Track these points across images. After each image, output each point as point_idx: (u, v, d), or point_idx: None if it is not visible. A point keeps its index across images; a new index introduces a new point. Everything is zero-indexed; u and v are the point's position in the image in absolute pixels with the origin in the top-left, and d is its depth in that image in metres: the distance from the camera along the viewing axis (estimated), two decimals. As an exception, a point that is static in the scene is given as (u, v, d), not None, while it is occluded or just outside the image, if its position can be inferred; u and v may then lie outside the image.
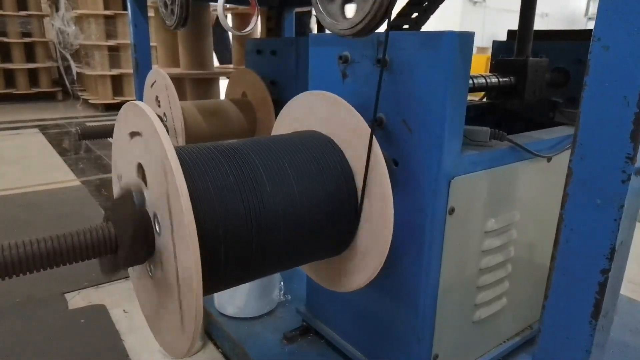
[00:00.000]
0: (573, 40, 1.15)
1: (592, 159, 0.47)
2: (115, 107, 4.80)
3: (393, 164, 0.77)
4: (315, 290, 1.06)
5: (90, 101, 4.92)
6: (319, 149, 0.77)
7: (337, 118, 0.78)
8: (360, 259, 0.78)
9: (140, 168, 0.62)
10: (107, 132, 1.30)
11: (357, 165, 0.76)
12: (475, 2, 7.46)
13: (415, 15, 0.82)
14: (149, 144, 0.58)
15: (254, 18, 1.02)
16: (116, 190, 0.73)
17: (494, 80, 1.02)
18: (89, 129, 1.25)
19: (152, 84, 1.37)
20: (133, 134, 0.63)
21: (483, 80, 0.99)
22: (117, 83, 4.83)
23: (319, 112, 0.82)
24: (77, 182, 2.44)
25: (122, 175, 0.70)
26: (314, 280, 0.91)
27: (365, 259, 0.77)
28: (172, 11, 1.16)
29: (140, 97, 1.57)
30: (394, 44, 0.73)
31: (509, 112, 1.16)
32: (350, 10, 0.66)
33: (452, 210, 0.75)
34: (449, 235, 0.75)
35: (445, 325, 0.81)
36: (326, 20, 0.67)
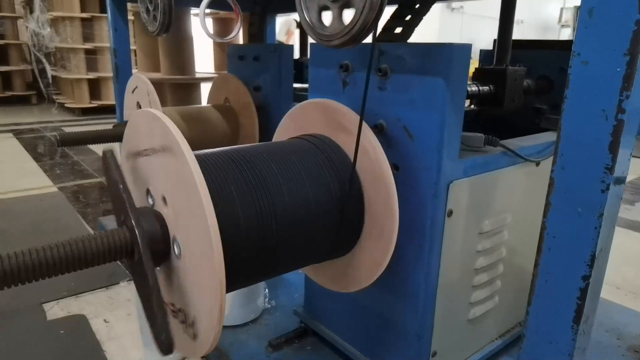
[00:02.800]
0: (556, 50, 1.19)
1: (573, 169, 0.48)
2: (92, 112, 4.71)
3: (394, 168, 0.79)
4: (313, 292, 1.07)
5: (66, 105, 4.82)
6: (324, 153, 0.80)
7: (339, 124, 0.81)
8: (364, 260, 0.81)
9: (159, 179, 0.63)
10: (87, 139, 1.27)
11: (360, 168, 0.79)
12: (453, 9, 7.59)
13: (399, 29, 0.84)
14: (172, 158, 0.59)
15: (237, 24, 1.02)
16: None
17: (474, 88, 1.04)
18: (68, 135, 1.22)
19: (134, 90, 1.35)
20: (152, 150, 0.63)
21: (464, 89, 1.01)
22: (94, 87, 4.74)
23: (322, 119, 0.84)
24: (54, 189, 2.39)
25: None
26: (316, 282, 0.93)
27: (369, 260, 0.80)
28: (155, 17, 1.15)
29: (120, 103, 1.55)
30: (394, 53, 0.76)
31: (496, 119, 1.18)
32: (338, 19, 0.67)
33: (450, 213, 0.78)
34: (447, 237, 0.79)
35: (444, 323, 0.85)
36: (311, 31, 0.68)
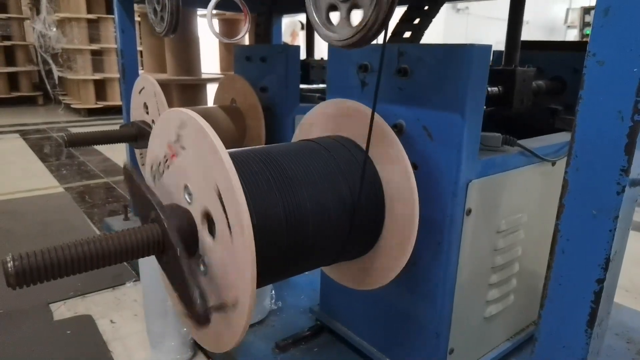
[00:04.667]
0: (569, 51, 1.20)
1: (587, 170, 0.48)
2: (98, 112, 4.73)
3: (413, 167, 0.80)
4: (330, 290, 1.08)
5: (72, 106, 4.84)
6: (346, 152, 0.81)
7: (361, 123, 0.81)
8: (384, 258, 0.81)
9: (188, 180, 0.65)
10: (95, 139, 1.28)
11: (381, 166, 0.80)
12: (459, 10, 7.57)
13: (408, 34, 0.84)
14: (201, 155, 0.61)
15: (245, 25, 1.01)
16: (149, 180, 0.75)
17: (483, 89, 1.03)
18: (76, 136, 1.22)
19: (140, 91, 1.35)
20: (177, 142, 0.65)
21: (473, 90, 1.01)
22: (100, 87, 4.76)
23: (342, 119, 0.85)
24: (60, 189, 2.39)
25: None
26: (334, 280, 0.94)
27: (388, 258, 0.80)
28: (162, 18, 1.15)
29: (127, 103, 1.55)
30: (414, 54, 0.77)
31: (510, 119, 1.18)
32: (352, 19, 0.67)
33: (469, 212, 0.79)
34: (465, 235, 0.79)
35: (461, 321, 0.85)
36: (321, 31, 0.67)
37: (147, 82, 1.31)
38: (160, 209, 0.60)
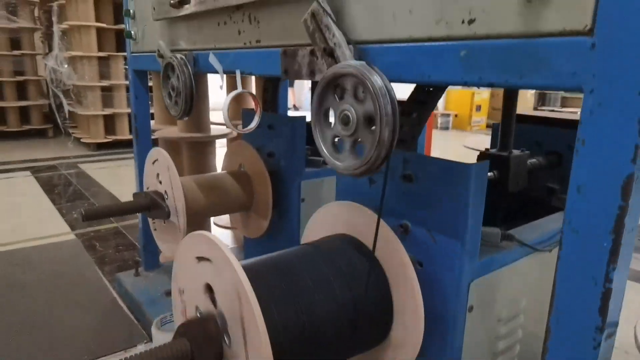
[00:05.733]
0: (564, 128, 1.27)
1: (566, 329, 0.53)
2: (107, 146, 4.83)
3: (418, 265, 0.86)
4: None
5: (82, 140, 4.95)
6: (355, 253, 0.87)
7: (366, 225, 0.88)
8: (393, 352, 0.86)
9: (208, 288, 0.71)
10: (111, 212, 1.34)
11: (387, 265, 0.86)
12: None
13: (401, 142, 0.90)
14: (220, 270, 0.67)
15: (256, 116, 1.08)
16: (178, 303, 0.81)
17: (480, 176, 1.09)
18: (93, 210, 1.29)
19: (154, 162, 1.42)
20: (201, 259, 0.70)
21: (470, 179, 1.07)
22: (109, 121, 4.87)
23: (349, 220, 0.92)
24: (72, 236, 2.46)
25: (184, 290, 0.78)
26: None
27: (399, 352, 0.86)
28: (177, 102, 1.22)
29: (140, 171, 1.62)
30: (418, 163, 0.84)
31: (508, 196, 1.24)
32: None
33: (471, 308, 0.85)
34: (468, 329, 0.84)
35: None
36: (328, 160, 0.73)
37: (161, 155, 1.38)
38: (185, 327, 0.66)
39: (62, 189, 3.36)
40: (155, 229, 1.52)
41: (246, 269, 0.74)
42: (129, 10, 1.54)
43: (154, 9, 1.31)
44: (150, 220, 1.51)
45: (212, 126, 2.20)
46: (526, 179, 1.16)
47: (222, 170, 1.65)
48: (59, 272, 2.04)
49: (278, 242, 1.61)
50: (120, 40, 4.77)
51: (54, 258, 2.19)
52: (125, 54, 4.65)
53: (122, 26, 4.66)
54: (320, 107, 0.73)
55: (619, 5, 0.45)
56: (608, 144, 0.47)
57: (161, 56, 1.30)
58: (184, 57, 1.19)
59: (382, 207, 0.85)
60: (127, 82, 4.77)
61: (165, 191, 1.38)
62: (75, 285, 1.91)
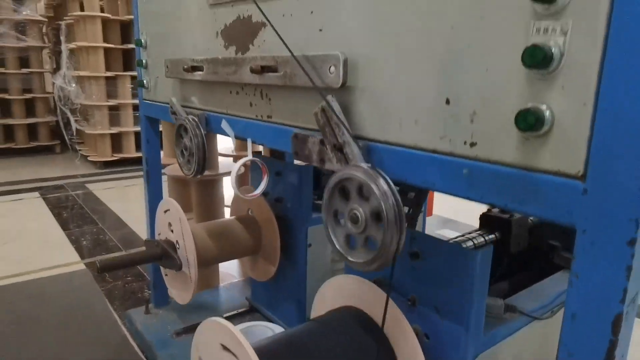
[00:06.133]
0: None
1: None
2: (114, 164, 4.89)
3: (425, 337, 0.90)
4: None
5: (89, 158, 5.01)
6: (364, 329, 0.91)
7: (373, 300, 0.92)
8: None
9: None
10: (124, 263, 1.38)
11: (394, 340, 0.89)
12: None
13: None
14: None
15: (264, 180, 1.13)
16: None
17: (481, 240, 1.13)
18: (108, 262, 1.33)
19: (166, 211, 1.47)
20: (226, 349, 0.74)
21: (471, 243, 1.11)
22: (116, 140, 4.93)
23: (356, 293, 0.96)
24: (81, 266, 2.50)
25: None
26: None
27: None
28: (189, 161, 1.27)
29: (152, 219, 1.66)
30: (425, 242, 0.89)
31: (509, 255, 1.27)
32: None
33: None
34: None
35: None
36: (343, 255, 0.77)
37: (173, 206, 1.43)
38: None
39: (70, 213, 3.41)
40: (166, 274, 1.56)
41: (262, 351, 0.78)
42: (140, 40, 1.58)
43: (167, 67, 1.36)
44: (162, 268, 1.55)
45: (219, 159, 2.25)
46: (527, 238, 1.20)
47: (231, 215, 1.70)
48: (70, 306, 2.09)
49: (285, 286, 1.65)
50: (127, 59, 4.84)
51: (65, 291, 2.23)
52: (132, 73, 4.74)
53: (130, 46, 4.73)
54: (329, 209, 0.77)
55: (611, 155, 0.49)
56: (599, 282, 0.51)
57: (174, 113, 1.34)
58: (196, 118, 1.24)
59: (391, 285, 0.89)
60: (135, 101, 4.82)
61: (177, 241, 1.43)
62: (87, 320, 1.96)
